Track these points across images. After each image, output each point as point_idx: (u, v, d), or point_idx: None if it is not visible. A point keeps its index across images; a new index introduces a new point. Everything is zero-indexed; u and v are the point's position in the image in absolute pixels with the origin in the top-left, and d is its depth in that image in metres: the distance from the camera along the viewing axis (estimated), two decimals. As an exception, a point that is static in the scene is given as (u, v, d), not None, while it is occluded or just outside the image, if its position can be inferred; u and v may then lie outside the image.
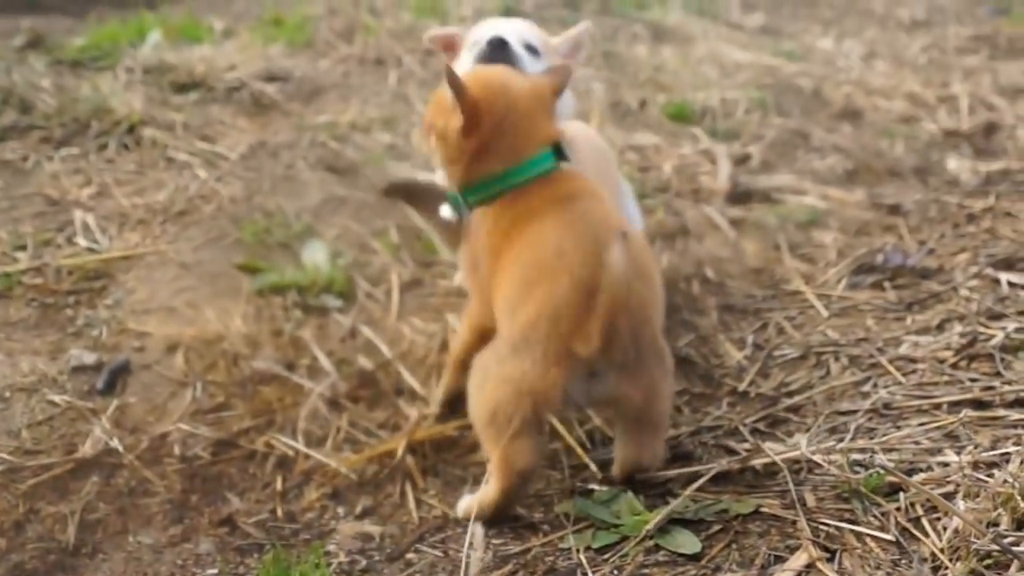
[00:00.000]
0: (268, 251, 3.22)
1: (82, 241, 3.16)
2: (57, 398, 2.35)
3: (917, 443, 2.11)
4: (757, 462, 2.11)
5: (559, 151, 2.06)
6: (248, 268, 3.08)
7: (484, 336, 1.99)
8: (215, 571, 1.88)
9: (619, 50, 5.33)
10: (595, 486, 2.09)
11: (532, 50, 2.48)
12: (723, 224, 3.53)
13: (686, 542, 1.87)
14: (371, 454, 2.23)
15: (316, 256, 3.16)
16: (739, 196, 3.77)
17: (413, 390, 2.55)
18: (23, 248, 3.09)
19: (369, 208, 3.57)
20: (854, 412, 2.35)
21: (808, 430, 2.27)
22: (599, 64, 5.06)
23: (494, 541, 1.96)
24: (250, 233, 3.28)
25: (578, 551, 1.88)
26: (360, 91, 4.70)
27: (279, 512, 2.06)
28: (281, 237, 3.30)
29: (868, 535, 1.85)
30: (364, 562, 1.93)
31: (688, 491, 2.00)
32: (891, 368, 2.48)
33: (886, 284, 3.00)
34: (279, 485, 2.14)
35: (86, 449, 2.17)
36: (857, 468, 2.05)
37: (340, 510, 2.08)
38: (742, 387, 2.56)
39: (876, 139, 4.39)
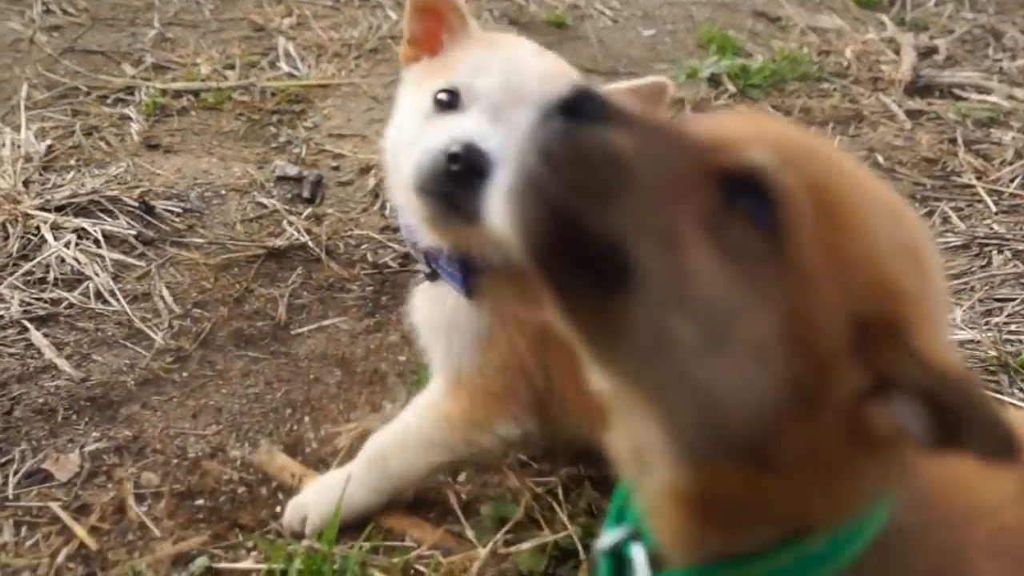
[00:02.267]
0: (453, 93, 3.39)
1: (284, 66, 3.39)
2: (265, 200, 2.60)
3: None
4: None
5: None
6: (434, 106, 3.25)
7: None
8: (404, 357, 2.11)
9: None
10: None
11: None
12: (900, 114, 3.52)
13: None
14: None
15: (498, 101, 3.30)
16: (920, 88, 3.74)
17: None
18: (232, 68, 3.34)
19: (549, 64, 3.69)
20: (1012, 300, 2.41)
21: (963, 308, 2.35)
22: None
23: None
24: (437, 75, 3.45)
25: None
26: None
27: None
28: (466, 81, 3.45)
29: (1011, 404, 1.95)
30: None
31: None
32: (1056, 262, 2.51)
33: (1062, 186, 2.99)
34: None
35: (291, 246, 2.42)
36: (1008, 346, 2.13)
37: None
38: (901, 266, 2.62)
39: (1072, 43, 4.24)
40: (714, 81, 3.60)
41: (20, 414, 1.89)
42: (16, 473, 1.77)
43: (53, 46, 3.36)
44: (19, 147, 2.70)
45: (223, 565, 1.60)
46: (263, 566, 1.57)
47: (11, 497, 1.73)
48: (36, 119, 2.89)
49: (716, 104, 3.43)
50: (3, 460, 1.80)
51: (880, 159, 3.21)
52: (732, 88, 3.55)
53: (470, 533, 1.68)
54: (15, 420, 1.88)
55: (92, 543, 1.63)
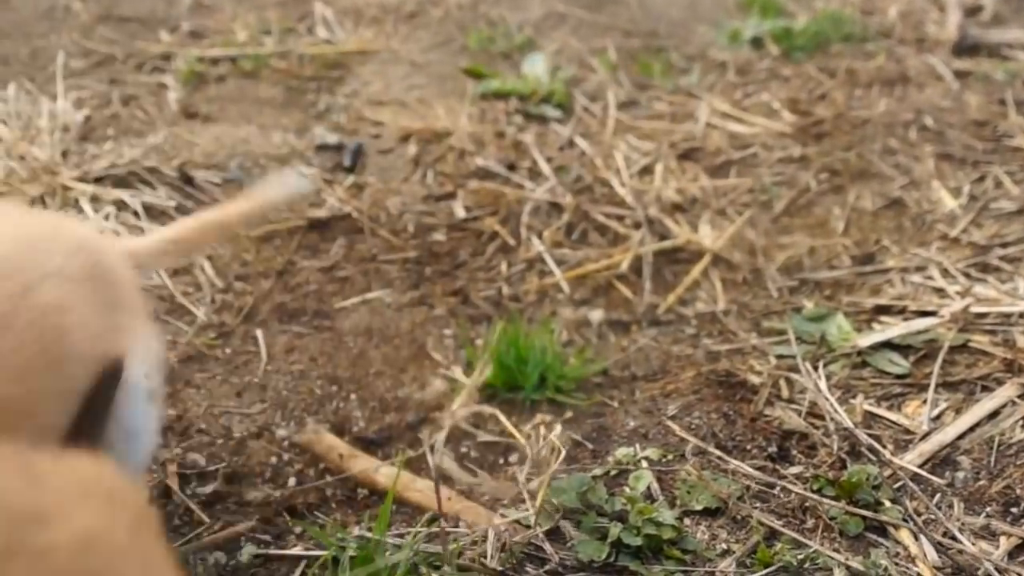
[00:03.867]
0: (491, 59, 3.33)
1: (321, 32, 3.35)
2: (305, 169, 2.57)
3: None
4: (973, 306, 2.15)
5: None
6: (473, 73, 3.20)
7: None
8: (450, 331, 2.08)
9: None
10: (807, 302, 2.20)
11: None
12: (947, 75, 3.43)
13: (894, 362, 1.95)
14: (593, 269, 2.35)
15: (536, 68, 3.25)
16: (966, 48, 3.64)
17: (625, 202, 2.65)
18: (268, 33, 3.31)
19: (588, 26, 3.63)
20: (1072, 267, 2.35)
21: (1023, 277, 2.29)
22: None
23: (705, 340, 2.10)
24: (475, 40, 3.40)
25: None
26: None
27: (504, 291, 2.24)
28: (503, 47, 3.40)
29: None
30: (583, 340, 2.12)
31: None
32: (1116, 229, 2.44)
33: (1119, 149, 2.90)
34: (504, 269, 2.31)
35: (333, 217, 2.39)
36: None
37: (559, 296, 2.24)
38: (954, 233, 2.56)
39: (1125, 0, 4.12)
40: (757, 43, 3.52)
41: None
42: (60, 454, 1.75)
43: (89, 13, 3.33)
44: (56, 117, 2.67)
45: (271, 551, 1.57)
46: (313, 553, 1.54)
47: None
48: (73, 88, 2.87)
49: (760, 67, 3.35)
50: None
51: (929, 121, 3.13)
52: (775, 50, 3.47)
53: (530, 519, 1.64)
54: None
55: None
